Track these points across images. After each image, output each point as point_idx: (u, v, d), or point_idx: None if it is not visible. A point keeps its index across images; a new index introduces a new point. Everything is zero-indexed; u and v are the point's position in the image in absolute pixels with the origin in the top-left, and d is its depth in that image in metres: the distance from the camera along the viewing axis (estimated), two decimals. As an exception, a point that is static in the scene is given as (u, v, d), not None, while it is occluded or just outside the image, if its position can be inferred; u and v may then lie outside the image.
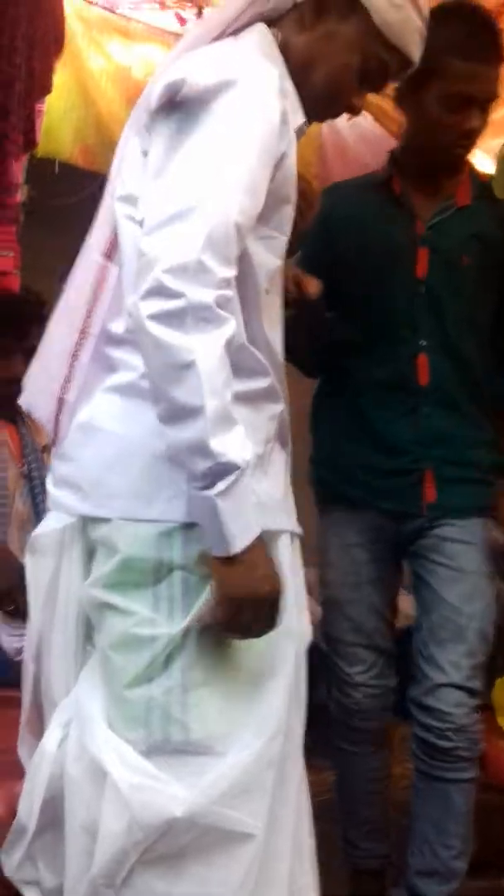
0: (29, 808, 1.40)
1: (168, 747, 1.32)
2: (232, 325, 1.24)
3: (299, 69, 1.40)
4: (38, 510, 2.31)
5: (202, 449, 1.22)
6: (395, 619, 2.10)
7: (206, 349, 1.21)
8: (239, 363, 1.30)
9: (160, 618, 1.32)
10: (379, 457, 1.97)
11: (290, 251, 1.46)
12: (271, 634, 1.33)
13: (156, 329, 1.22)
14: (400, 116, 2.07)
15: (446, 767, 1.92)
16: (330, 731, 2.08)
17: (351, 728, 2.07)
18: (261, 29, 1.39)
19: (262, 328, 1.39)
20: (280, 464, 1.47)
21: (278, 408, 1.45)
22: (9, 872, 1.43)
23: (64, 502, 1.40)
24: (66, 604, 1.41)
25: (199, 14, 3.15)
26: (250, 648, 1.35)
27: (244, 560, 1.25)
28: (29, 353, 1.47)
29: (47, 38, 2.36)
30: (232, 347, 1.26)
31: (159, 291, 1.22)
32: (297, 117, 1.39)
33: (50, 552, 1.42)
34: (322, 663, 1.97)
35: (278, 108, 1.32)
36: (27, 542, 1.44)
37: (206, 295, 1.21)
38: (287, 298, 1.53)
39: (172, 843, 1.31)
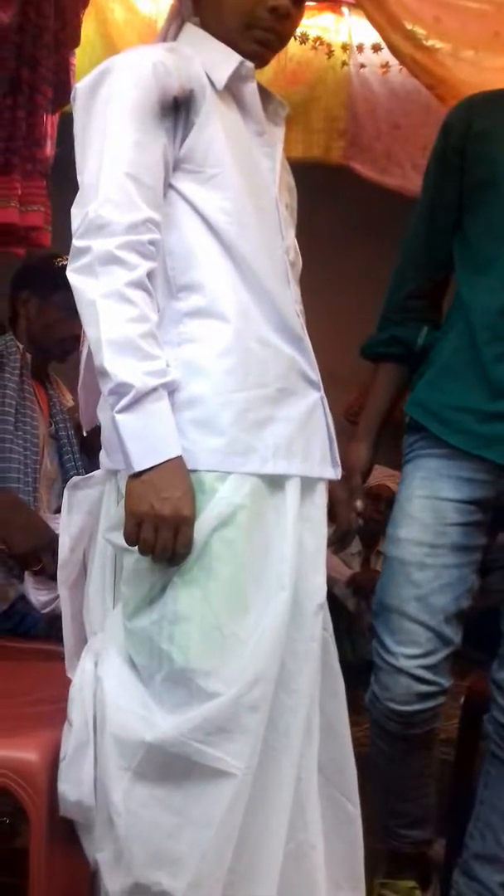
0: (83, 719, 1.46)
1: (158, 676, 1.42)
2: (141, 265, 1.40)
3: (214, 22, 1.56)
4: (64, 469, 2.33)
5: (102, 372, 1.39)
6: (469, 605, 1.78)
7: (105, 288, 1.38)
8: (194, 301, 1.46)
9: None
10: (485, 397, 1.74)
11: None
12: (256, 579, 1.43)
13: (73, 279, 1.41)
14: (434, 68, 2.00)
15: None
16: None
17: (387, 732, 1.80)
18: (185, 28, 1.60)
19: (233, 266, 1.48)
20: (298, 407, 1.52)
21: (286, 351, 1.51)
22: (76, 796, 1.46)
23: (101, 458, 1.55)
24: (105, 546, 1.54)
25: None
26: (233, 591, 1.42)
27: (148, 480, 1.39)
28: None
29: (76, -13, 2.32)
30: (150, 282, 1.41)
31: (75, 252, 1.42)
32: (226, 66, 1.52)
33: (88, 500, 1.56)
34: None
35: (151, 68, 1.45)
36: (54, 502, 1.48)
37: (108, 244, 1.39)
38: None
39: (150, 767, 1.40)
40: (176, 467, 1.40)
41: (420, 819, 1.93)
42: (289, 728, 1.48)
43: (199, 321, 1.47)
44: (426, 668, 1.75)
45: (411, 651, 1.75)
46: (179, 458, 1.40)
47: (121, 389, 1.38)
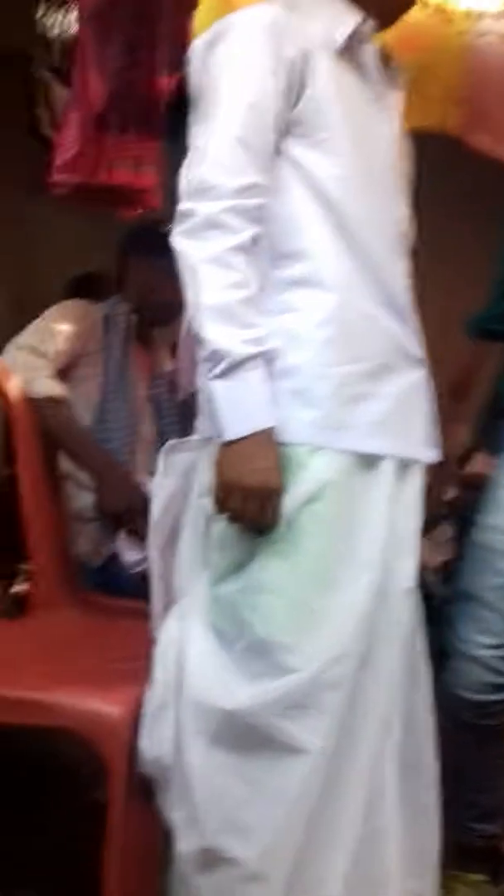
0: (166, 680, 1.48)
1: (238, 645, 1.42)
2: (246, 230, 1.38)
3: None
4: (162, 433, 2.34)
5: (200, 338, 1.39)
6: None
7: (207, 252, 1.37)
8: (297, 269, 1.43)
9: None
10: None
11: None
12: (343, 558, 1.42)
13: (177, 242, 1.41)
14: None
15: None
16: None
17: (460, 721, 1.74)
18: None
19: (340, 235, 1.44)
20: (398, 385, 1.49)
21: (389, 326, 1.48)
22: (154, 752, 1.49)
23: (197, 423, 1.57)
24: (197, 511, 1.54)
25: None
26: (320, 566, 1.41)
27: (238, 449, 1.38)
28: None
29: None
30: (255, 248, 1.39)
31: (181, 215, 1.41)
32: (347, 24, 1.48)
33: (182, 464, 1.57)
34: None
35: (268, 28, 1.43)
36: (151, 464, 1.50)
37: (213, 207, 1.38)
38: None
39: (226, 735, 1.40)
40: (267, 438, 1.39)
41: (492, 811, 1.87)
42: (368, 712, 1.46)
43: (300, 290, 1.45)
44: (501, 658, 1.71)
45: (486, 640, 1.71)
46: (271, 429, 1.39)
47: (216, 356, 1.37)
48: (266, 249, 1.44)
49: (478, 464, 2.59)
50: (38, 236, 4.28)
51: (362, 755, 1.46)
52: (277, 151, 1.45)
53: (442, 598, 3.18)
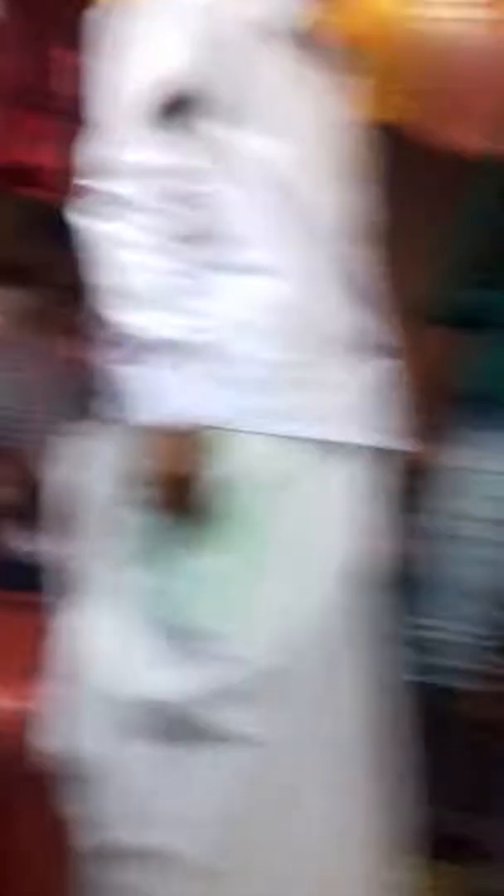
0: (71, 669, 1.43)
1: (161, 630, 1.36)
2: (159, 211, 1.33)
3: None
4: (57, 416, 2.28)
5: (111, 320, 1.34)
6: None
7: (114, 232, 1.33)
8: (244, 254, 1.38)
9: None
10: None
11: None
12: (291, 552, 1.36)
13: (82, 222, 1.36)
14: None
15: None
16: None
17: (431, 709, 1.67)
18: None
19: (295, 219, 1.39)
20: (359, 373, 1.44)
21: (350, 314, 1.43)
22: None
23: (101, 408, 1.51)
24: (104, 497, 1.47)
25: None
26: (258, 560, 1.36)
27: (157, 434, 1.32)
28: None
29: None
30: (195, 232, 1.34)
31: (86, 193, 1.35)
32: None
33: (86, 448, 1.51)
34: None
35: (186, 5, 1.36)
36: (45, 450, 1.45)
37: (121, 185, 1.33)
38: None
39: (142, 726, 1.34)
40: (191, 423, 1.33)
41: (467, 802, 1.85)
42: (323, 701, 1.40)
43: (249, 275, 1.39)
44: (474, 644, 1.67)
45: (456, 626, 1.67)
46: (191, 413, 1.34)
47: (129, 338, 1.33)
48: (210, 233, 1.38)
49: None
50: None
51: (321, 746, 1.40)
52: (207, 131, 1.38)
53: (406, 582, 3.15)
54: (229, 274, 1.39)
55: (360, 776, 1.47)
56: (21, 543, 2.09)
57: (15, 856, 1.45)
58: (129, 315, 1.33)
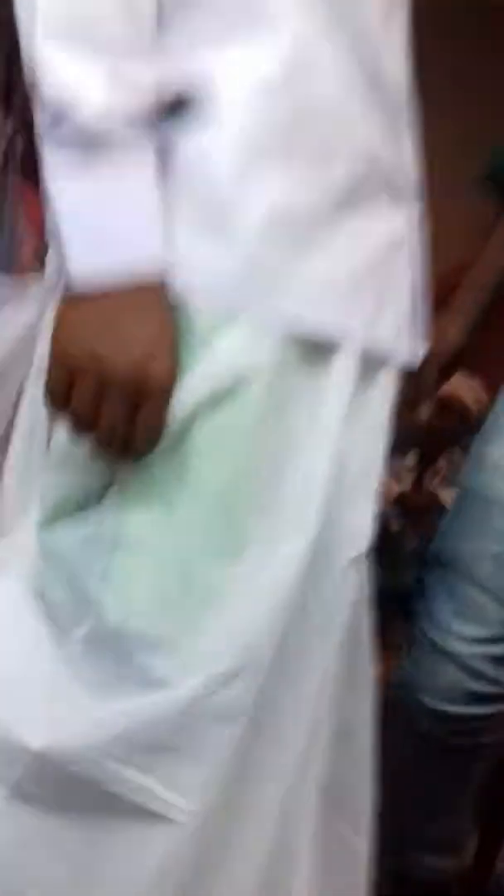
0: None
1: (77, 631, 0.91)
2: None
3: None
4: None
5: (37, 86, 0.87)
6: None
7: None
8: None
9: None
10: None
11: None
12: (257, 503, 0.89)
13: None
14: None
15: None
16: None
17: (417, 733, 1.31)
18: None
19: None
20: (370, 232, 0.94)
21: (369, 130, 0.94)
22: None
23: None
24: (37, 404, 1.06)
25: None
26: (221, 515, 0.90)
27: (95, 303, 0.83)
28: None
29: None
30: None
31: None
32: None
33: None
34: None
35: None
36: None
37: None
38: None
39: (36, 787, 0.90)
40: (149, 286, 0.83)
41: (447, 843, 1.47)
42: (281, 738, 0.96)
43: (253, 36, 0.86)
44: (490, 658, 1.26)
45: (472, 631, 1.26)
46: (159, 271, 0.83)
47: (65, 120, 0.80)
48: None
49: (460, 386, 2.10)
50: None
51: (266, 805, 0.97)
52: None
53: (396, 532, 2.69)
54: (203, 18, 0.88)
55: (326, 828, 1.05)
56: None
57: None
58: (70, 71, 0.80)
